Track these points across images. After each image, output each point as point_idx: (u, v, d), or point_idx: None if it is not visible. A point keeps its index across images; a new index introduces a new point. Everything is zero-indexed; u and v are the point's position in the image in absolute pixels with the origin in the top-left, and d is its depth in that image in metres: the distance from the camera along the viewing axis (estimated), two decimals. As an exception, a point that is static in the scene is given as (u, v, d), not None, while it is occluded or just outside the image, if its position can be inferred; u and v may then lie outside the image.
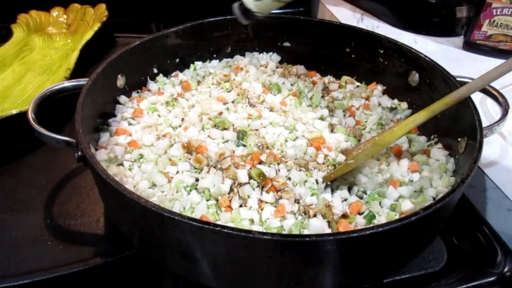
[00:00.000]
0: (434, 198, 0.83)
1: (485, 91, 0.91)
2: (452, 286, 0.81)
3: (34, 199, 0.92)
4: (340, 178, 0.87)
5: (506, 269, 0.84)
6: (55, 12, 1.53)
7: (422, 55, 0.99)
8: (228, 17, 1.15)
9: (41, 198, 0.93)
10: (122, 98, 1.01)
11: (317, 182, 0.83)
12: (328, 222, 0.76)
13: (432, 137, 0.97)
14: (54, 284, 0.78)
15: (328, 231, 0.74)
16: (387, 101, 1.07)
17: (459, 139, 0.87)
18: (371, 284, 0.76)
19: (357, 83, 1.15)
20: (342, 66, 1.17)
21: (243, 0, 0.87)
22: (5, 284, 0.75)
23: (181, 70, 1.17)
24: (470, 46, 1.35)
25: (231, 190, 0.79)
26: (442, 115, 0.88)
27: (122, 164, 0.87)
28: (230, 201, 0.77)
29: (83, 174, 0.98)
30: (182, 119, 0.98)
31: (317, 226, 0.73)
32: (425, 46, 1.37)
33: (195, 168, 0.83)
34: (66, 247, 0.83)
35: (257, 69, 1.14)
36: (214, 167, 0.82)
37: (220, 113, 0.96)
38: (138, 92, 1.07)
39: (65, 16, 1.53)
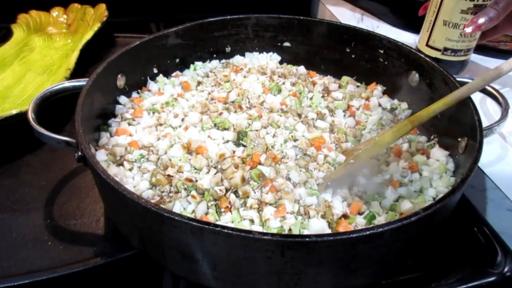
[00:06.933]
0: (434, 198, 0.83)
1: (485, 91, 0.91)
2: (452, 286, 0.81)
3: (34, 199, 0.92)
4: (340, 178, 0.87)
5: (506, 269, 0.84)
6: (55, 12, 1.53)
7: (422, 55, 0.99)
8: (228, 17, 1.15)
9: (41, 198, 0.93)
10: (122, 98, 1.01)
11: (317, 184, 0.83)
12: (328, 222, 0.76)
13: (432, 137, 0.97)
14: (54, 284, 0.78)
15: (328, 231, 0.74)
16: (387, 101, 1.07)
17: (459, 139, 0.87)
18: (371, 284, 0.76)
19: (357, 83, 1.15)
20: (342, 66, 1.17)
21: None
22: (5, 284, 0.75)
23: (181, 70, 1.17)
24: (470, 46, 1.35)
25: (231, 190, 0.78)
26: (442, 115, 0.88)
27: (122, 164, 0.86)
28: (229, 201, 0.77)
29: (83, 174, 0.98)
30: (182, 119, 0.98)
31: (317, 226, 0.73)
32: (425, 46, 1.37)
33: (195, 169, 0.83)
34: (66, 247, 0.83)
35: (257, 69, 1.14)
36: (214, 167, 0.82)
37: (220, 113, 0.96)
38: (138, 92, 1.07)
39: (65, 16, 1.54)
